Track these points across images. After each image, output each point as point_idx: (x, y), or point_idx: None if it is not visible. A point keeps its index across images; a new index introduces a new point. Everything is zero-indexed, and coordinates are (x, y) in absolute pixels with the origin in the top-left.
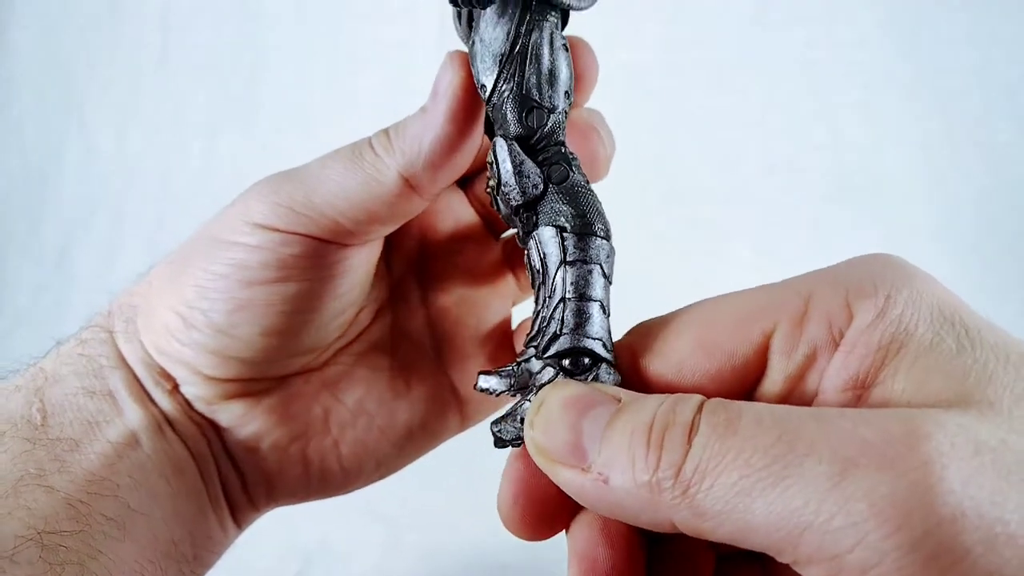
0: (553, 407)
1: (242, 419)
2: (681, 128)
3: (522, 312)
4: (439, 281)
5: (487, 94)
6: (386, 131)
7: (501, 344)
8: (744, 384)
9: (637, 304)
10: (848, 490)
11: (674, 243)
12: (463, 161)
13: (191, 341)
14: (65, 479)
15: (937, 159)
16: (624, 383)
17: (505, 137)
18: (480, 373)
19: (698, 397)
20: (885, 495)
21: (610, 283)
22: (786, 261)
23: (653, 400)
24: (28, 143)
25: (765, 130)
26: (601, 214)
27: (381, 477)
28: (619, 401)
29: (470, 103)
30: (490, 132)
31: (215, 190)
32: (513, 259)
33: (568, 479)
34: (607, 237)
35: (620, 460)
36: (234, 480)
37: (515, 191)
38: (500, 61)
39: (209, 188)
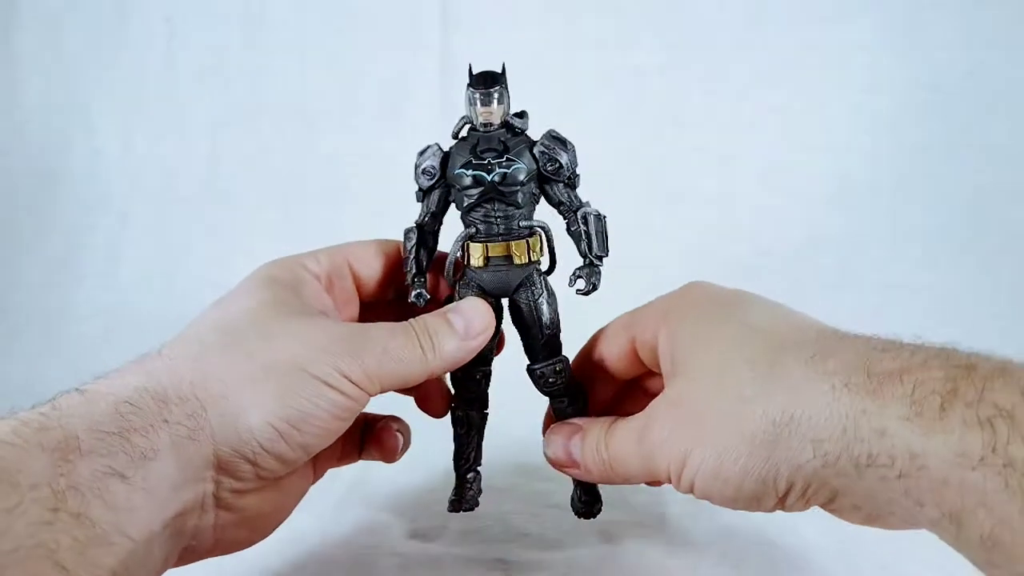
0: (552, 447)
1: (254, 503)
2: (679, 130)
3: None
4: None
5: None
6: (428, 335)
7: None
8: (634, 365)
9: (634, 303)
10: (640, 448)
11: (672, 243)
12: None
13: (277, 451)
14: (78, 560)
15: (934, 160)
16: (584, 363)
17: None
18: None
19: (608, 423)
20: (643, 443)
21: None
22: (783, 261)
23: (596, 428)
24: (33, 144)
25: (762, 132)
26: None
27: None
28: (581, 428)
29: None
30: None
31: (219, 192)
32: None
33: (570, 471)
34: None
35: (588, 457)
36: (204, 547)
37: (565, 379)
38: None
39: (213, 190)
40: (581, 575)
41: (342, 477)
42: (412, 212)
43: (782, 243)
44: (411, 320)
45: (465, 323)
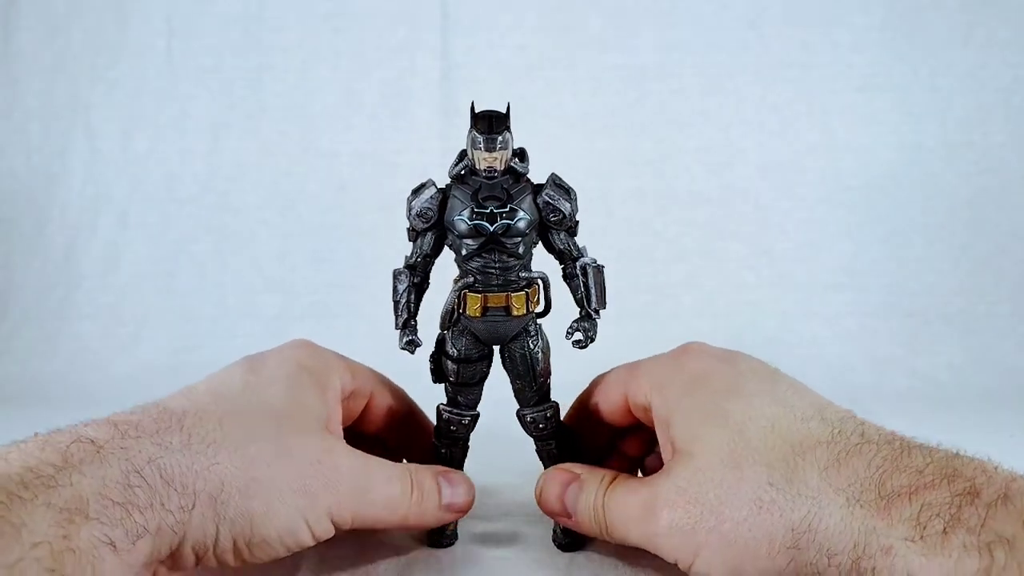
0: (546, 491)
1: None
2: (678, 130)
3: None
4: None
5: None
6: (421, 493)
7: None
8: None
9: (633, 303)
10: (640, 526)
11: (671, 243)
12: None
13: (225, 560)
14: None
15: (932, 160)
16: (580, 410)
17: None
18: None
19: (608, 479)
20: (647, 524)
21: None
22: (780, 261)
23: (592, 480)
24: (34, 145)
25: (761, 132)
26: None
27: None
28: (579, 476)
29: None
30: None
31: (219, 192)
32: None
33: (562, 520)
34: None
35: (581, 516)
36: None
37: (555, 424)
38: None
39: (213, 190)
40: (583, 574)
41: None
42: None
43: (782, 243)
44: (410, 472)
45: (451, 497)
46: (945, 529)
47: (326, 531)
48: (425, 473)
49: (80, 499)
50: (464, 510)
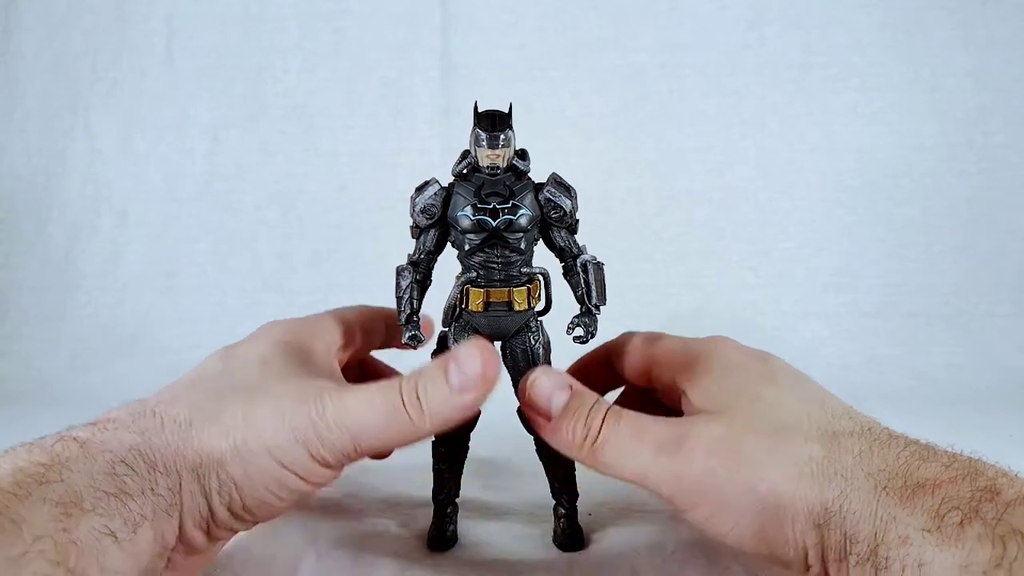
0: (540, 382)
1: (199, 560)
2: (678, 130)
3: None
4: None
5: None
6: (415, 390)
7: None
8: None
9: (633, 303)
10: (659, 458)
11: (671, 243)
12: None
13: (233, 527)
14: None
15: (932, 160)
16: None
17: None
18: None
19: (608, 403)
20: (669, 458)
21: None
22: (780, 261)
23: (589, 395)
24: (33, 145)
25: (761, 132)
26: None
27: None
28: (571, 388)
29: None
30: None
31: (219, 192)
32: None
33: (538, 420)
34: None
35: (566, 420)
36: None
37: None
38: None
39: (213, 190)
40: (583, 574)
41: (341, 478)
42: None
43: (782, 243)
44: (400, 379)
45: (460, 374)
46: (962, 522)
47: (318, 473)
48: (425, 367)
49: (74, 493)
50: (484, 381)
